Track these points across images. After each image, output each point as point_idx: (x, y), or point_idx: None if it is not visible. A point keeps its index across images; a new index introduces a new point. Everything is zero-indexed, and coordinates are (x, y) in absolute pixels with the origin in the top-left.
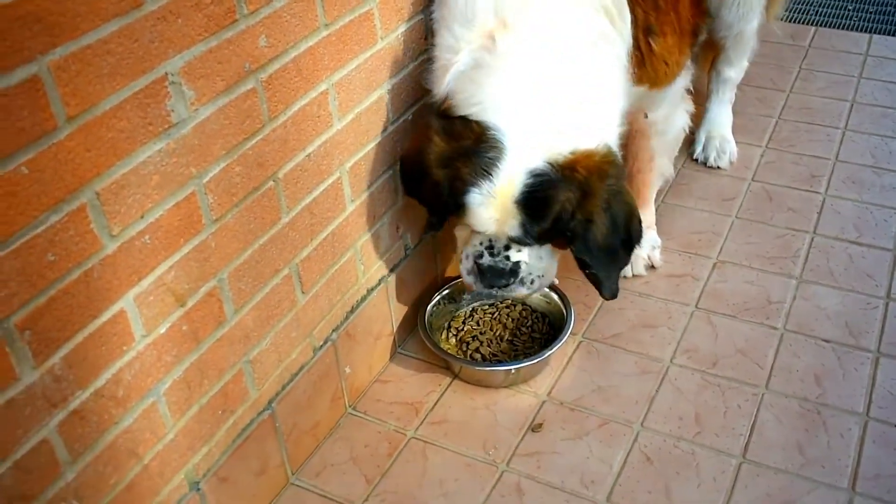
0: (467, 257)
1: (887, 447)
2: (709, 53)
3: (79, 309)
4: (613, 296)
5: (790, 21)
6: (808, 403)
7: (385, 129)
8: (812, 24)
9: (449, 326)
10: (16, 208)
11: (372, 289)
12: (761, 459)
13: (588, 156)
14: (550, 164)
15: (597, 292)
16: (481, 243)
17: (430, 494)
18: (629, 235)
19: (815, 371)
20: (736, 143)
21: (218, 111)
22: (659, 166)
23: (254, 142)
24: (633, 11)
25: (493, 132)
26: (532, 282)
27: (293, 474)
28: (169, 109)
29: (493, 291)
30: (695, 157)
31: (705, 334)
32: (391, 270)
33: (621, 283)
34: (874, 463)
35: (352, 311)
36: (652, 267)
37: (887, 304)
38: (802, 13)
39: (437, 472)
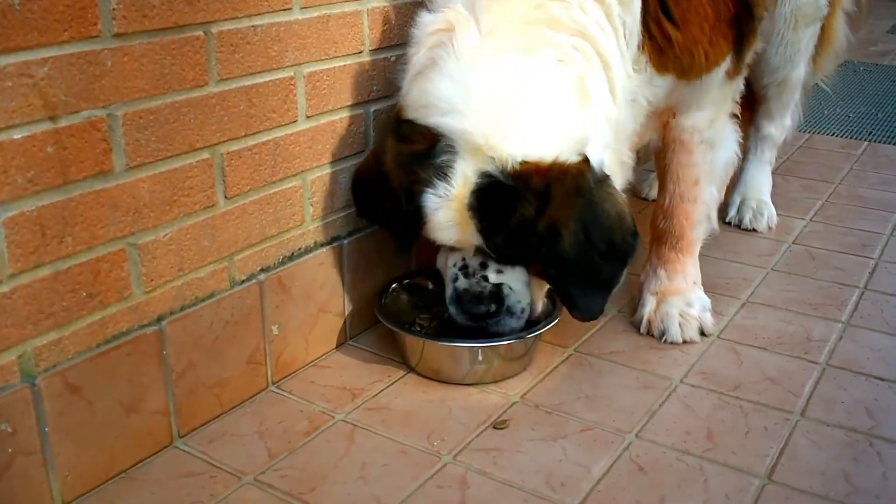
0: (447, 285)
1: None
2: (747, 110)
3: None
4: (590, 317)
5: (841, 136)
6: (858, 434)
7: (360, 53)
8: (864, 140)
9: (414, 322)
10: None
11: (321, 244)
12: (793, 483)
13: (546, 165)
14: (501, 169)
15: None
16: (455, 264)
17: (346, 477)
18: (612, 246)
19: (867, 405)
20: (776, 214)
21: None
22: (704, 198)
23: None
24: None
25: (443, 136)
26: (522, 311)
27: (180, 437)
28: None
29: (481, 324)
30: (727, 219)
31: (727, 360)
32: (350, 234)
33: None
34: None
35: (290, 257)
36: (703, 333)
37: None
38: (855, 131)
39: (361, 456)
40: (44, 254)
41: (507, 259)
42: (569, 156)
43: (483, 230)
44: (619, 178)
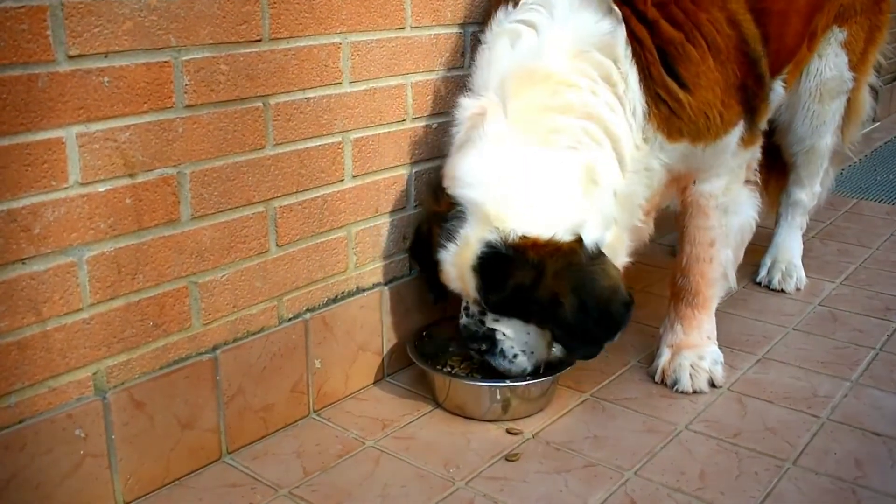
0: (459, 318)
1: None
2: (780, 178)
3: (12, 108)
4: (589, 358)
5: (890, 202)
6: (843, 483)
7: (403, 121)
8: None
9: (446, 363)
10: None
11: (363, 289)
12: None
13: (541, 242)
14: (503, 240)
15: (618, 361)
16: (462, 304)
17: (368, 494)
18: (606, 316)
19: (858, 456)
20: (806, 276)
21: None
22: (720, 259)
23: (247, 50)
24: (644, 69)
25: (459, 204)
26: (515, 356)
27: (228, 453)
28: None
29: (485, 359)
30: (757, 280)
31: (732, 411)
32: (390, 281)
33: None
34: None
35: (334, 300)
36: (713, 385)
37: None
38: None
39: (384, 477)
40: (118, 288)
41: (502, 314)
42: (563, 236)
43: (481, 289)
44: (624, 247)
